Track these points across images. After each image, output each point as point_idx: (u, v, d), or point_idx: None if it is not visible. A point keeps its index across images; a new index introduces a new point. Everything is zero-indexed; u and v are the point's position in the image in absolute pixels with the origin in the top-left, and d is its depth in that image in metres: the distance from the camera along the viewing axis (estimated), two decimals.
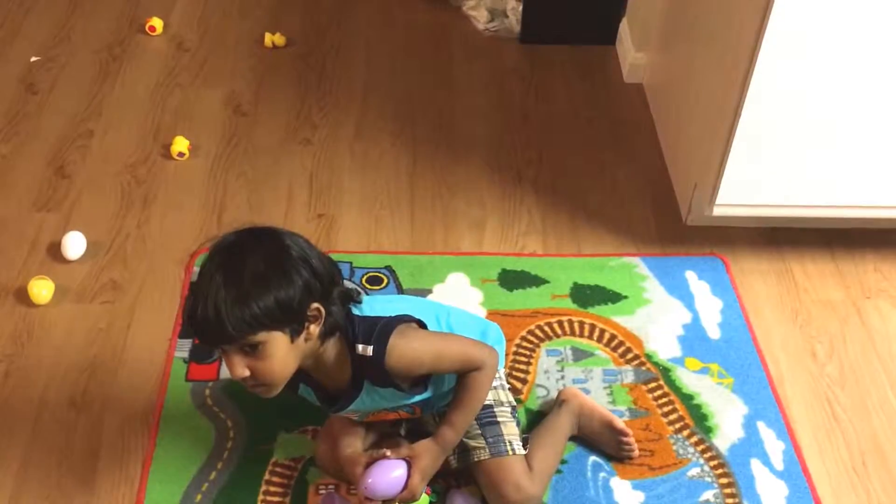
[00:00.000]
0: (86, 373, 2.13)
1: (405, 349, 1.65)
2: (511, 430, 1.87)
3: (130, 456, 1.98)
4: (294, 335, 1.54)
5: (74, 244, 2.37)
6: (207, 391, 2.09)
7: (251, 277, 1.49)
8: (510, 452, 1.83)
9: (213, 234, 2.44)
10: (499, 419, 1.87)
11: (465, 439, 1.82)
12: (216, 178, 2.66)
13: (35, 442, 2.00)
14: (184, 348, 2.17)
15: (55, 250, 2.39)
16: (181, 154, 2.69)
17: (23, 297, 2.27)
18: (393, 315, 1.68)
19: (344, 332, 1.64)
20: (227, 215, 2.54)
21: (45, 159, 2.68)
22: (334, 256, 2.38)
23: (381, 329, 1.64)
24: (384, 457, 1.70)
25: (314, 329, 1.57)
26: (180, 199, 2.59)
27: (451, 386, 1.79)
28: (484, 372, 1.73)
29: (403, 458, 1.71)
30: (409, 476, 1.69)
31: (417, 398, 1.77)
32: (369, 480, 1.67)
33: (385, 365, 1.63)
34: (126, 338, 2.21)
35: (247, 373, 1.52)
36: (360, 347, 1.63)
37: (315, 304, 1.55)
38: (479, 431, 1.84)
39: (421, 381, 1.74)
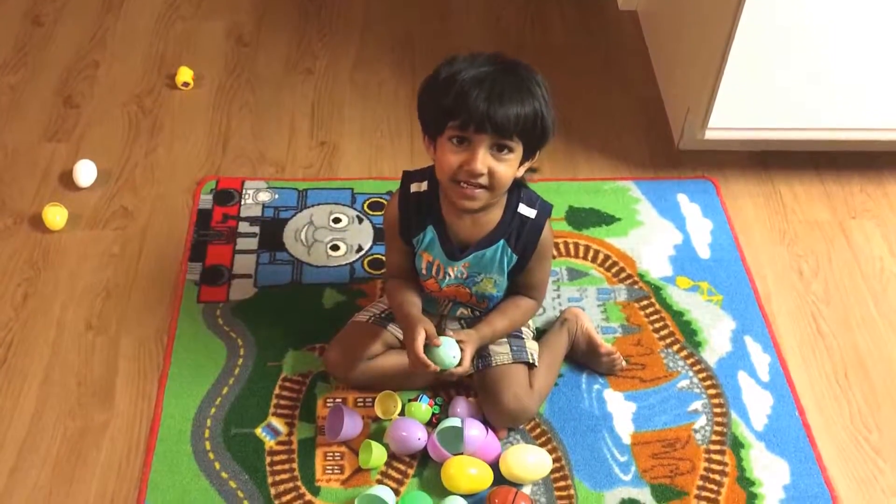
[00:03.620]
0: (100, 296, 2.22)
1: (550, 231, 1.90)
2: (532, 346, 2.02)
3: (146, 374, 2.07)
4: (524, 158, 1.74)
5: (86, 172, 2.43)
6: (218, 312, 2.18)
7: (532, 85, 1.69)
8: (530, 360, 1.97)
9: (219, 162, 2.52)
10: (523, 336, 2.02)
11: (491, 346, 1.95)
12: (220, 107, 2.72)
13: (55, 362, 2.09)
14: (195, 271, 2.25)
15: (67, 178, 2.46)
16: (186, 84, 2.75)
17: (37, 223, 2.35)
18: None
19: (514, 190, 1.82)
20: (232, 144, 2.60)
21: (52, 90, 2.74)
22: (336, 183, 2.48)
23: (543, 202, 1.88)
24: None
25: (529, 164, 1.77)
26: (186, 128, 2.65)
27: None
28: (536, 305, 1.99)
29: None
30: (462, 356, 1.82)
31: (499, 288, 1.94)
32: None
33: (543, 228, 1.85)
34: (138, 262, 2.29)
35: (485, 170, 1.68)
36: (522, 207, 1.85)
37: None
38: (506, 340, 1.98)
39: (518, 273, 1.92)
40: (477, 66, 1.66)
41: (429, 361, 1.77)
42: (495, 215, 1.84)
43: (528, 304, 1.96)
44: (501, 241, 1.85)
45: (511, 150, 1.69)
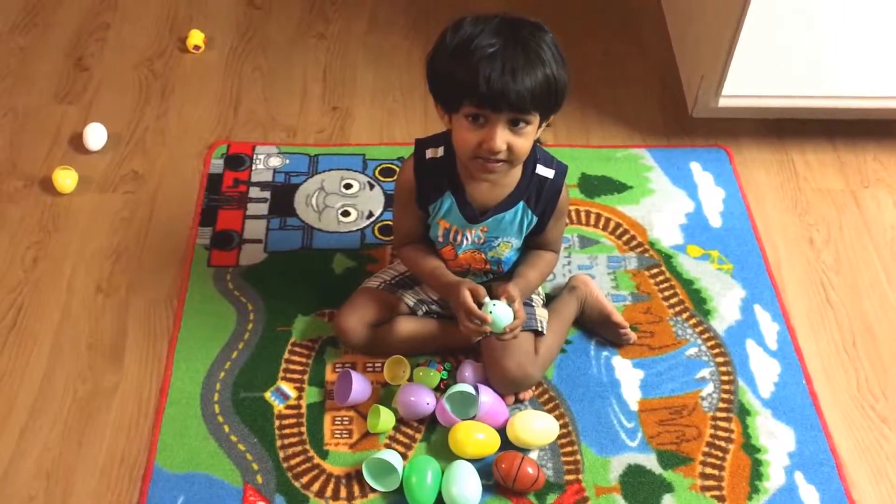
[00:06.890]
0: (110, 259, 2.23)
1: (567, 191, 1.90)
2: (542, 314, 2.02)
3: (156, 337, 2.08)
4: (541, 124, 1.71)
5: (96, 135, 2.43)
6: (229, 276, 2.18)
7: (541, 49, 1.64)
8: (539, 328, 1.97)
9: (230, 126, 2.52)
10: (534, 303, 2.02)
11: None
12: (232, 71, 2.71)
13: (65, 324, 2.10)
14: (205, 236, 2.26)
15: (77, 142, 2.46)
16: (197, 47, 2.74)
17: (48, 186, 2.35)
18: None
19: (530, 150, 1.77)
20: (243, 108, 2.60)
21: (63, 52, 2.74)
22: (348, 149, 2.48)
23: (558, 162, 1.87)
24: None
25: (546, 124, 1.74)
26: (197, 91, 2.64)
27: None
28: (556, 257, 2.00)
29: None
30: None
31: (514, 251, 1.94)
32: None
33: (561, 188, 1.85)
34: (149, 226, 2.29)
35: (504, 146, 1.66)
36: (540, 168, 1.84)
37: None
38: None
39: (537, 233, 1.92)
40: (486, 36, 1.61)
41: (486, 316, 1.76)
42: (514, 177, 1.83)
43: (551, 257, 1.98)
44: (521, 203, 1.85)
45: (528, 123, 1.67)
